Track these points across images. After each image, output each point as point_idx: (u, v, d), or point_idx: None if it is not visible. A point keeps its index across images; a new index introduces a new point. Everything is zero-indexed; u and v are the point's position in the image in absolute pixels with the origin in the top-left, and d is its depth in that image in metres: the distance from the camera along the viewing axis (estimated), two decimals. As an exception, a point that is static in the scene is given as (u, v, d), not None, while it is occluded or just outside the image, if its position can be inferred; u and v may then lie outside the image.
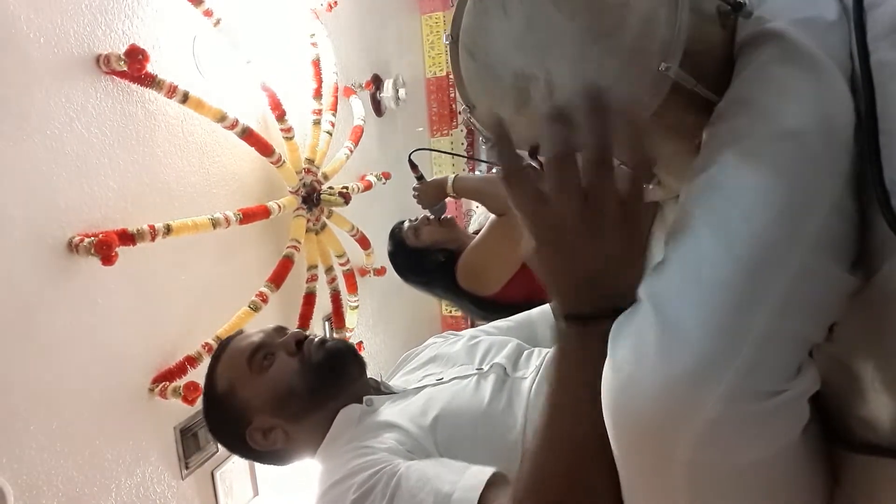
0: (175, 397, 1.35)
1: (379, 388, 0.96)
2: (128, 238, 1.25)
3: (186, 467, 1.46)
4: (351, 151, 2.15)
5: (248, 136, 1.60)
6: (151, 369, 1.38)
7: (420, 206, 1.78)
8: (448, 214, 1.78)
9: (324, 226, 2.00)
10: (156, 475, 1.39)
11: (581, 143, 0.44)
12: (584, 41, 0.47)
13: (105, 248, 1.19)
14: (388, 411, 0.87)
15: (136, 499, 1.33)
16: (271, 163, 1.71)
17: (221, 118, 1.52)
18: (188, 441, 1.46)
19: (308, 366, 0.91)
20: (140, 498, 1.34)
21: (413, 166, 1.80)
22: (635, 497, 0.45)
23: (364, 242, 2.24)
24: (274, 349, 0.93)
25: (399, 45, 2.92)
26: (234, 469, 1.59)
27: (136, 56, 1.27)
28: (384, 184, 2.46)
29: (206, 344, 1.45)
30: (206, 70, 1.57)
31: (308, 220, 1.90)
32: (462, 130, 3.21)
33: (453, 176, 1.70)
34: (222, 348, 0.97)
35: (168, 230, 1.34)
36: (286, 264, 1.73)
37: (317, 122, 1.98)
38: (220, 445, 1.11)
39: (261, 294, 1.61)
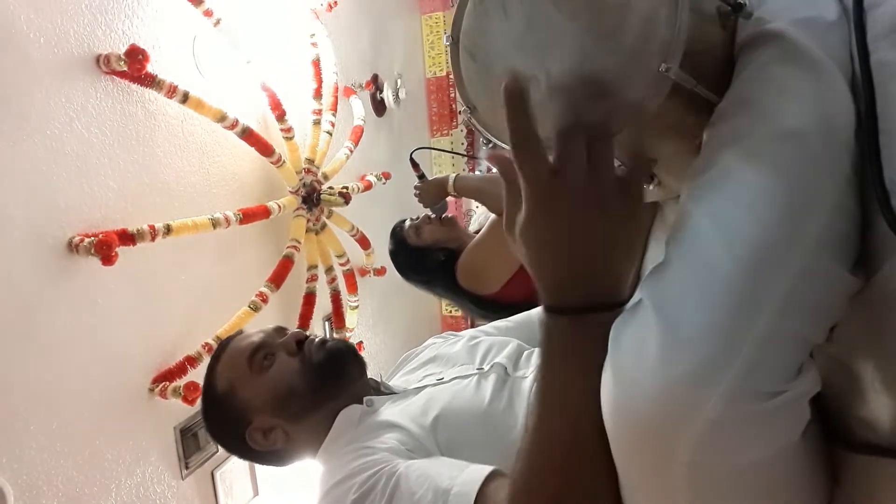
0: (175, 397, 1.35)
1: (379, 389, 0.96)
2: (128, 238, 1.25)
3: (186, 467, 1.46)
4: (351, 151, 2.15)
5: (248, 136, 1.60)
6: (151, 369, 1.38)
7: (421, 205, 1.78)
8: (448, 214, 1.79)
9: (324, 226, 2.00)
10: (156, 475, 1.39)
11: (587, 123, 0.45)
12: (584, 41, 0.47)
13: (105, 248, 1.19)
14: (389, 411, 0.87)
15: (136, 499, 1.33)
16: (271, 163, 1.71)
17: (221, 118, 1.52)
18: (188, 441, 1.47)
19: (309, 366, 0.91)
20: (140, 498, 1.34)
21: (414, 165, 1.80)
22: (635, 497, 0.45)
23: (364, 242, 2.24)
24: (274, 349, 0.93)
25: (399, 45, 2.92)
26: (234, 469, 1.59)
27: (136, 56, 1.27)
28: (384, 184, 2.47)
29: (206, 344, 1.45)
30: (206, 70, 1.57)
31: (308, 220, 1.90)
32: (462, 130, 3.21)
33: (454, 175, 1.71)
34: (222, 348, 0.97)
35: (168, 230, 1.34)
36: (286, 264, 1.73)
37: (317, 122, 1.99)
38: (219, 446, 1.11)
39: (261, 294, 1.61)
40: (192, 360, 1.42)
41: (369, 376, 0.99)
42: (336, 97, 2.08)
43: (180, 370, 1.40)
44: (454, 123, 3.21)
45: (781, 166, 0.40)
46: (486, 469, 0.66)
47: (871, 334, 0.41)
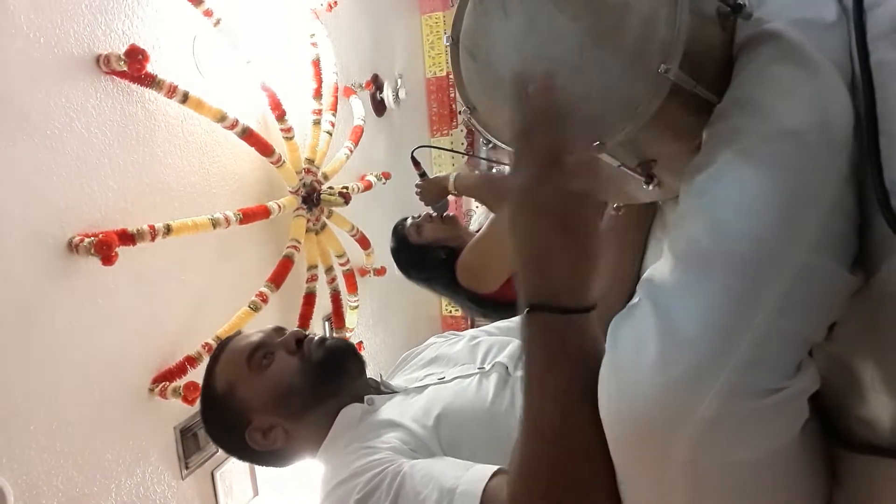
0: (175, 397, 1.35)
1: (379, 388, 0.96)
2: (128, 238, 1.25)
3: (186, 467, 1.46)
4: (351, 151, 2.15)
5: (248, 136, 1.60)
6: (151, 369, 1.38)
7: (422, 203, 1.78)
8: (449, 212, 1.79)
9: (324, 226, 2.00)
10: (156, 475, 1.39)
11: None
12: (584, 42, 0.47)
13: (105, 248, 1.19)
14: (390, 410, 0.87)
15: (136, 499, 1.33)
16: (271, 163, 1.71)
17: (221, 118, 1.51)
18: (188, 441, 1.46)
19: (308, 364, 0.91)
20: (140, 498, 1.34)
21: (415, 163, 1.81)
22: (634, 496, 0.45)
23: (364, 242, 2.24)
24: (273, 348, 0.93)
25: (399, 45, 2.92)
26: (234, 469, 1.59)
27: (136, 56, 1.27)
28: (384, 184, 2.47)
29: (206, 344, 1.45)
30: (206, 70, 1.57)
31: (308, 220, 1.90)
32: (462, 130, 3.21)
33: (455, 174, 1.71)
34: (220, 349, 0.97)
35: (168, 230, 1.34)
36: (286, 264, 1.73)
37: (317, 122, 1.98)
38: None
39: (261, 294, 1.61)
40: (192, 360, 1.42)
41: (369, 376, 0.99)
42: (336, 97, 2.08)
43: (180, 370, 1.40)
44: (454, 123, 3.21)
45: (780, 165, 0.40)
46: (491, 468, 0.67)
47: (871, 334, 0.41)
